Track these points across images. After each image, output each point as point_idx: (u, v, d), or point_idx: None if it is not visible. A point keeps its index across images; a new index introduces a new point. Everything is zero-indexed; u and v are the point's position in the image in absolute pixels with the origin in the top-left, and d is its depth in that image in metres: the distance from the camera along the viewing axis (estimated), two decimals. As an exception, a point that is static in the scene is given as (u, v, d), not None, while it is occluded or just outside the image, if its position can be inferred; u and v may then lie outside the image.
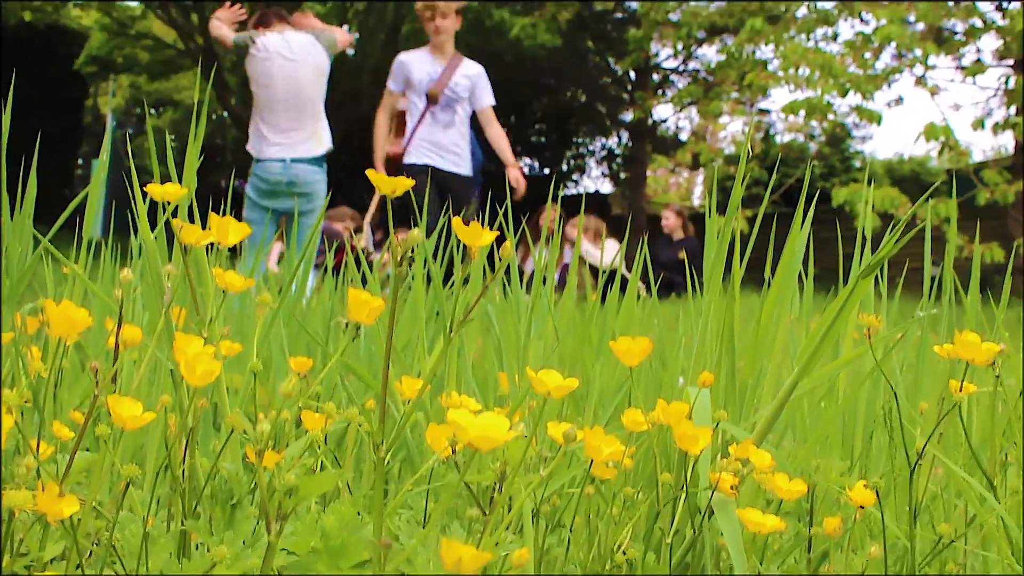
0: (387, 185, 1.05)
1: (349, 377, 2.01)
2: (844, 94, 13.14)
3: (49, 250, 1.80)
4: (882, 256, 1.34)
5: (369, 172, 1.09)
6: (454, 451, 1.21)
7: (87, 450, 1.25)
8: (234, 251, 3.39)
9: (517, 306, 1.95)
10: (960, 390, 1.40)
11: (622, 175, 29.63)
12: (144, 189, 1.27)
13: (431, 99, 7.37)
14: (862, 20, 14.80)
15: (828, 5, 15.48)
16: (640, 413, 1.39)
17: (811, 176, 1.81)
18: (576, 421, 1.81)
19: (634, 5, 22.13)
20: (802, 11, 15.43)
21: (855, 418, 1.79)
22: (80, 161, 27.06)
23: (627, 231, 2.41)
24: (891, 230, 1.45)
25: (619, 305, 2.06)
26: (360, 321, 1.08)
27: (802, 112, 13.59)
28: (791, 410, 1.77)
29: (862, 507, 1.36)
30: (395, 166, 7.53)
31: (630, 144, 26.89)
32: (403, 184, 1.06)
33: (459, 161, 7.44)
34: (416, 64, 7.46)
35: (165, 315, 1.21)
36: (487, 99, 7.56)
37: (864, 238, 1.69)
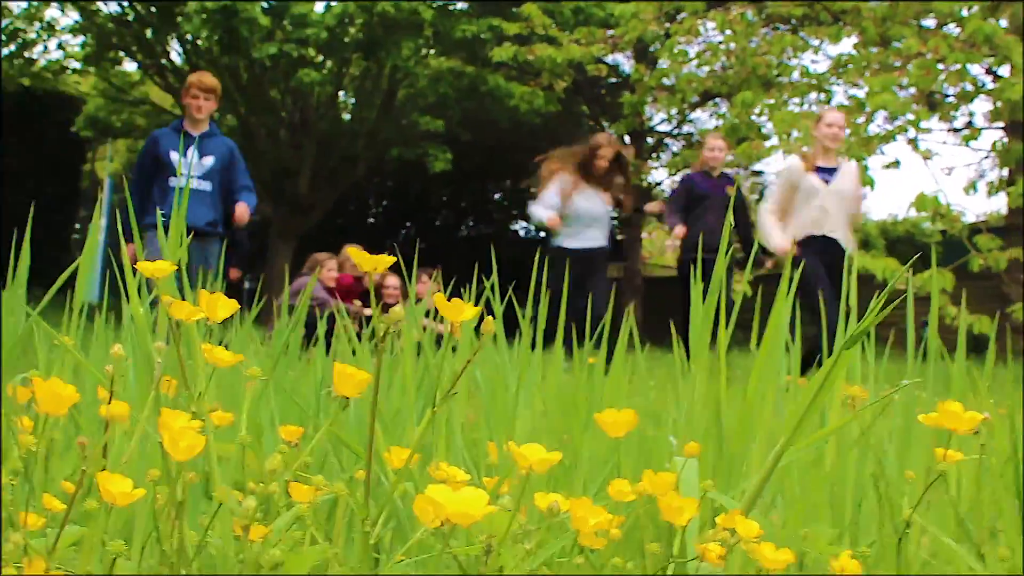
0: (368, 263, 1.04)
1: (340, 446, 2.01)
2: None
3: (40, 321, 1.81)
4: (865, 327, 1.36)
5: (349, 248, 1.07)
6: (443, 523, 1.21)
7: (77, 524, 1.25)
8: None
9: (505, 376, 1.95)
10: (944, 458, 1.41)
11: (618, 237, 29.78)
12: (134, 266, 1.28)
13: None
14: (856, 84, 14.90)
15: (822, 68, 15.60)
16: (627, 484, 1.40)
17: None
18: (566, 490, 1.81)
19: (627, 70, 22.34)
20: (795, 75, 15.56)
21: (844, 484, 1.79)
22: (77, 225, 27.13)
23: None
24: (876, 297, 1.47)
25: (606, 370, 2.06)
26: (346, 395, 1.09)
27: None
28: (779, 477, 1.77)
29: (849, 576, 1.37)
30: None
31: (625, 207, 26.99)
32: (384, 261, 1.05)
33: None
34: None
35: (155, 389, 1.22)
36: None
37: (848, 307, 1.70)
